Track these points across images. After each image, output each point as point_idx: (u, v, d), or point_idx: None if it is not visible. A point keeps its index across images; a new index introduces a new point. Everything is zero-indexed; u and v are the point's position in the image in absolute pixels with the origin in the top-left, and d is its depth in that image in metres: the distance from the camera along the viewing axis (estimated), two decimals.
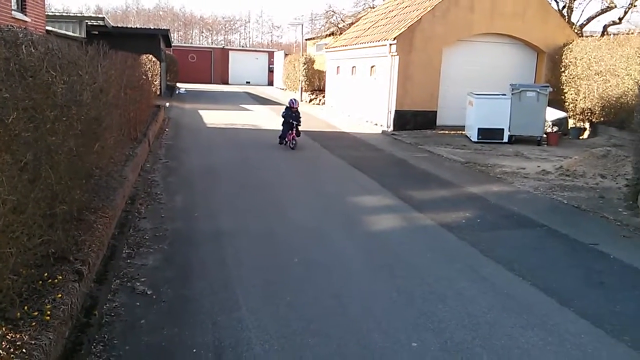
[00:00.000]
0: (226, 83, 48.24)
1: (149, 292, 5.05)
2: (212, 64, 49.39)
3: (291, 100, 13.89)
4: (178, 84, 36.04)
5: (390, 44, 17.42)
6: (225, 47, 53.13)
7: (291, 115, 13.61)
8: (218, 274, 5.59)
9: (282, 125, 13.80)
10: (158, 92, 22.29)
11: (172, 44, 37.94)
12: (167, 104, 22.40)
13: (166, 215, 7.52)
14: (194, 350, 4.11)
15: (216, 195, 8.96)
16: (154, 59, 22.04)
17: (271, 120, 20.20)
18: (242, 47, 56.79)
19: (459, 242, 6.83)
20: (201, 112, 22.17)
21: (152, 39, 25.44)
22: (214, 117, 20.37)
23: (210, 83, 47.11)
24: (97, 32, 21.88)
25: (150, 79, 17.80)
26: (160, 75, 22.91)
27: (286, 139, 13.71)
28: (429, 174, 11.22)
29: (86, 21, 22.28)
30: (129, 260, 5.80)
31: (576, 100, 17.12)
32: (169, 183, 9.53)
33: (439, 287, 5.38)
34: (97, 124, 6.19)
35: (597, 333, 4.54)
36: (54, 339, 3.41)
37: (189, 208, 8.02)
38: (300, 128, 13.88)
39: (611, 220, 7.90)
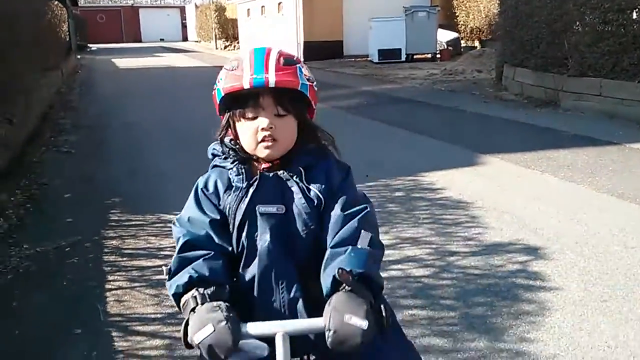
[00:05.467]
0: (139, 41, 47.23)
1: (72, 152, 5.91)
2: (122, 23, 48.13)
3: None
4: (89, 45, 35.23)
5: None
6: (134, 5, 51.63)
7: None
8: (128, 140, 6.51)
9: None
10: (67, 39, 22.00)
11: (79, 5, 36.73)
12: (79, 56, 22.22)
13: (83, 117, 8.25)
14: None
15: (126, 105, 9.68)
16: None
17: (185, 61, 20.69)
18: (152, 3, 55.22)
19: (348, 114, 8.02)
20: (114, 59, 22.20)
21: None
22: (126, 62, 20.53)
23: (122, 42, 45.98)
24: None
25: (58, 21, 17.70)
26: (68, 23, 22.52)
27: None
28: (332, 84, 12.30)
29: None
30: (52, 139, 6.59)
31: (467, 21, 18.67)
32: (84, 101, 10.13)
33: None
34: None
35: (439, 141, 5.90)
36: None
37: (103, 114, 8.75)
38: None
39: (477, 95, 9.34)
